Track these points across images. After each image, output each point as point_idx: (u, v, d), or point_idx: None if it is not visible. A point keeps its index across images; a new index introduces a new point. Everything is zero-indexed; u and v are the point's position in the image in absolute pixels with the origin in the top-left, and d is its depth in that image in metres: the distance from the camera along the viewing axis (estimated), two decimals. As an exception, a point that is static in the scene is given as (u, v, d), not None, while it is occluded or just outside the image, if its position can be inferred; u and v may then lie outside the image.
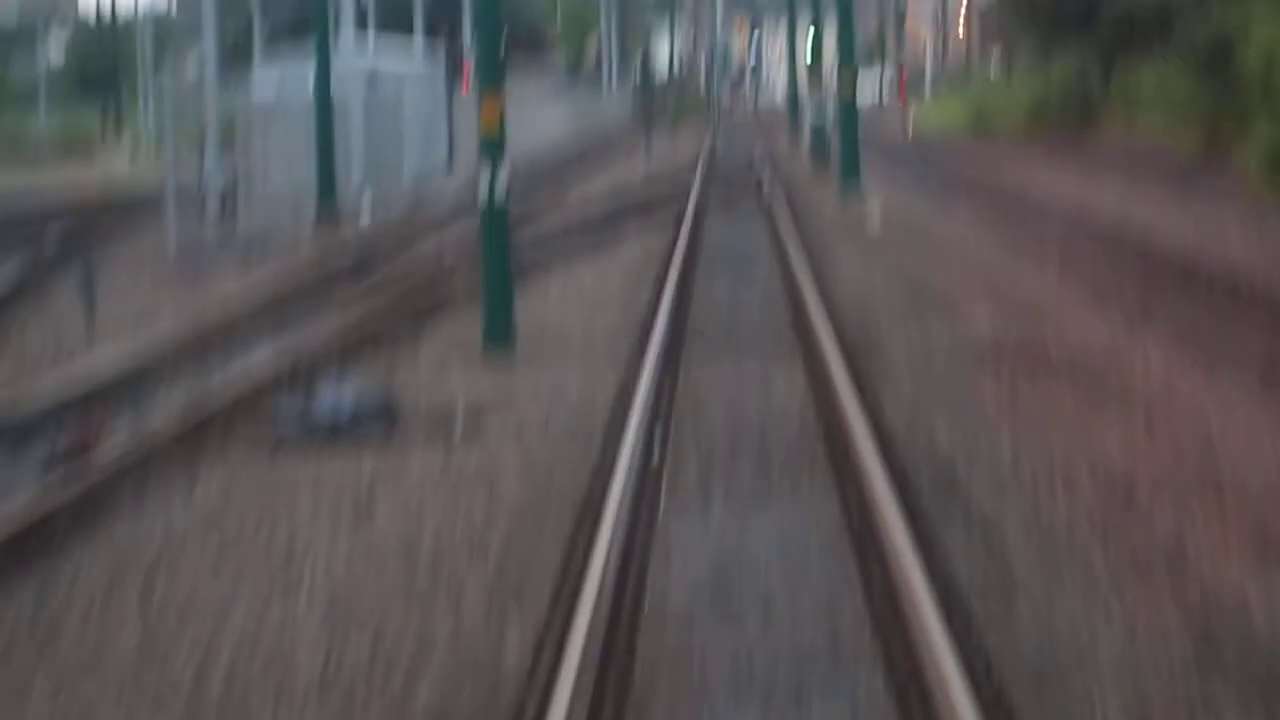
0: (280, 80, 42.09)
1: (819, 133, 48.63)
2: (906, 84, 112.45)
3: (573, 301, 23.83)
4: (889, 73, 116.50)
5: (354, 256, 29.25)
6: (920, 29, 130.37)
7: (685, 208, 36.05)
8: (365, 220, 38.02)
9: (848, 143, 35.50)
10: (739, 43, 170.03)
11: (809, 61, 62.02)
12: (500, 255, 19.64)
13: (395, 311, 22.02)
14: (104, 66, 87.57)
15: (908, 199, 41.02)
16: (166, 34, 77.41)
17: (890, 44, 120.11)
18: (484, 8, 20.04)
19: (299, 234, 34.92)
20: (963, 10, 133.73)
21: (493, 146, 19.50)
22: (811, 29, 65.69)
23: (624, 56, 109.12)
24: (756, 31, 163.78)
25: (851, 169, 35.29)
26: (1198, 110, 52.48)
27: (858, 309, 21.60)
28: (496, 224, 19.57)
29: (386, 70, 45.36)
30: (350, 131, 40.35)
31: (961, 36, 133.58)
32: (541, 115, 78.64)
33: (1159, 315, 21.05)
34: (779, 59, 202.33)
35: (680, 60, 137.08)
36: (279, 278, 26.28)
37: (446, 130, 50.44)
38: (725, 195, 41.30)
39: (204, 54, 38.14)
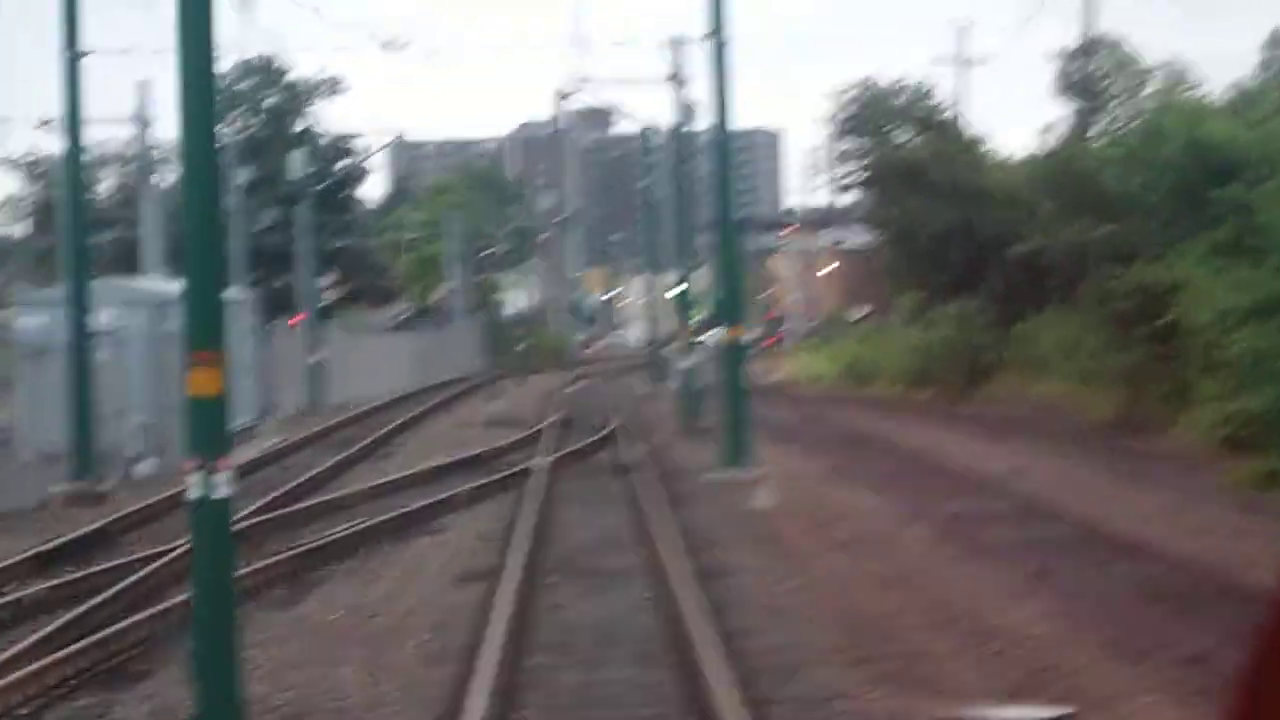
0: (54, 316, 34.67)
1: (690, 389, 41.57)
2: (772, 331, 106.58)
3: (357, 634, 16.30)
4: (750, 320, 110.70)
5: (79, 554, 21.60)
6: (783, 277, 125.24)
7: (528, 474, 28.77)
8: (139, 475, 30.61)
9: (733, 407, 28.19)
10: (596, 291, 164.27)
11: (679, 313, 55.41)
12: (219, 605, 11.95)
13: (86, 662, 14.45)
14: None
15: (798, 465, 33.97)
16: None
17: (752, 292, 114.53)
18: (195, 234, 12.15)
19: (43, 506, 27.27)
20: (828, 261, 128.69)
21: (206, 430, 11.88)
22: (681, 282, 59.30)
23: (475, 295, 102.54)
24: (616, 290, 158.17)
25: (736, 439, 27.99)
26: (1114, 369, 46.08)
27: (782, 671, 14.19)
28: (216, 551, 11.95)
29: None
30: (130, 372, 32.85)
31: (829, 276, 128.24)
32: (381, 357, 71.57)
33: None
34: (639, 308, 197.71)
35: (534, 305, 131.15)
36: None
37: (255, 369, 42.99)
38: (579, 456, 34.07)
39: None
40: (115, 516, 24.22)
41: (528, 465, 30.04)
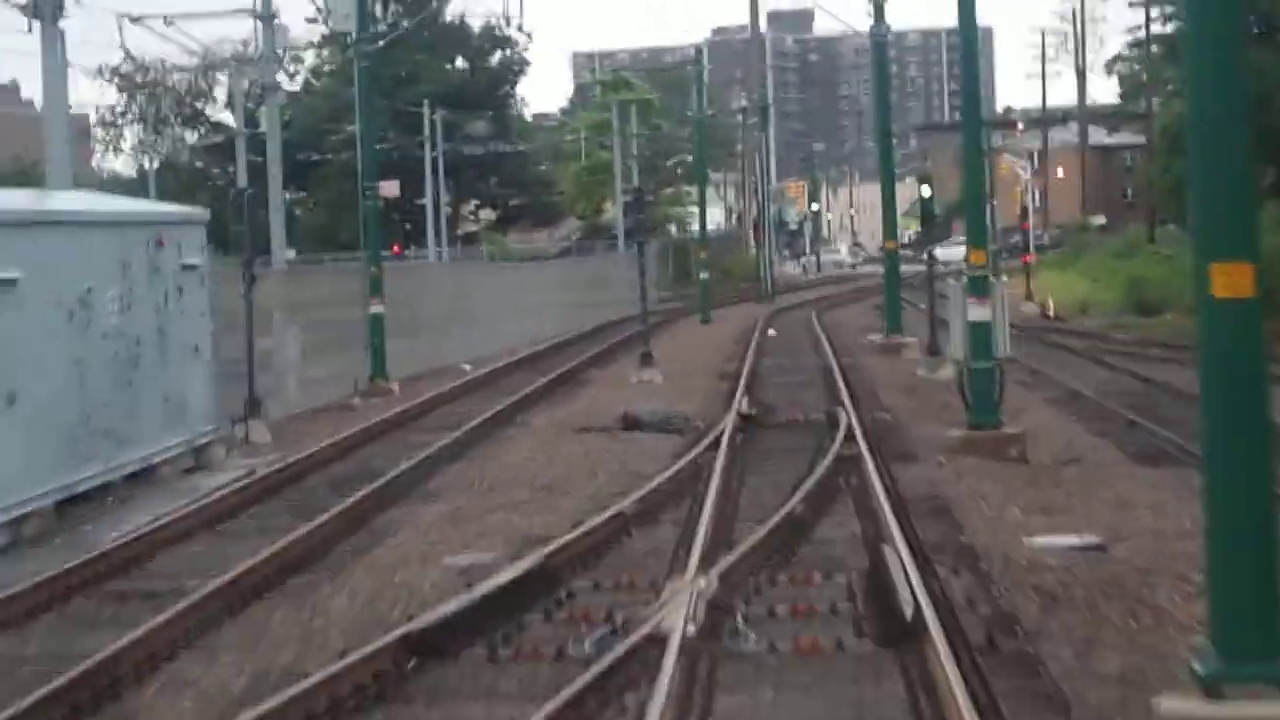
0: None
1: (981, 360, 22.05)
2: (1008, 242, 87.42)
3: None
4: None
5: None
6: (1014, 175, 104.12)
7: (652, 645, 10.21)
8: None
9: (1252, 487, 8.87)
10: (798, 203, 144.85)
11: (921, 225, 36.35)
12: None
13: None
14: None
15: None
16: None
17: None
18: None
19: None
20: (1061, 163, 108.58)
21: None
22: (924, 184, 40.07)
23: (653, 211, 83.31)
24: (816, 204, 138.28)
25: (1258, 594, 9.07)
26: None
27: None
28: None
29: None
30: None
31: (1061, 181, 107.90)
32: (531, 295, 53.21)
33: None
34: (841, 220, 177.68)
35: (728, 216, 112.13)
36: None
37: (208, 349, 23.98)
38: (785, 542, 15.35)
39: None
40: None
41: (660, 606, 11.60)
